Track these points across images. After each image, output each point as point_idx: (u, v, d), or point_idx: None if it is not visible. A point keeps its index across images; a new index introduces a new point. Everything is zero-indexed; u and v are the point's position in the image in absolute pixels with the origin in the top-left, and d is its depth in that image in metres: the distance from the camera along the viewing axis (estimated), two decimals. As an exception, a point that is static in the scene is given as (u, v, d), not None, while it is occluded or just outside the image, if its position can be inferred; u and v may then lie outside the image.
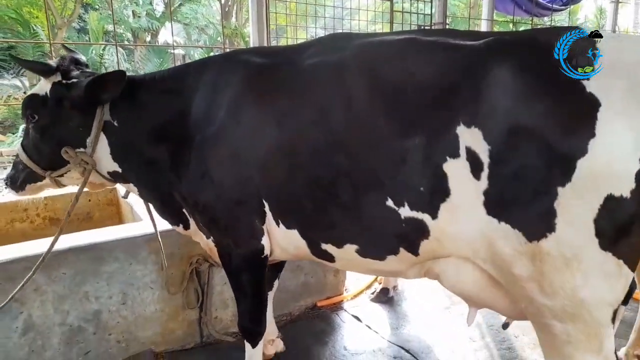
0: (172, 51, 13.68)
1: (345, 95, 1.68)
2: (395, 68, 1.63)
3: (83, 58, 2.29)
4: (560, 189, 1.31)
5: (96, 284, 2.60)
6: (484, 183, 1.42)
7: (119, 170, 2.18)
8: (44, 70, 2.09)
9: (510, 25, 8.21)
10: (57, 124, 2.08)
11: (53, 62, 2.14)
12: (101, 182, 2.31)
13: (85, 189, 2.34)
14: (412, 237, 1.64)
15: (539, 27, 7.81)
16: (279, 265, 2.70)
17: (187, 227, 2.27)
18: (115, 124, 2.08)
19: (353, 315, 3.39)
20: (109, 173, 2.21)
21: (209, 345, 2.99)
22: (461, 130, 1.44)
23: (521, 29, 8.15)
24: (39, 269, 2.38)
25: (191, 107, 2.00)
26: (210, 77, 2.01)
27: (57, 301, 2.50)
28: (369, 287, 3.78)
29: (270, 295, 2.73)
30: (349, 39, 1.86)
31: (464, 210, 1.49)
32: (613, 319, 1.43)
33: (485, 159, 1.40)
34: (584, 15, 20.80)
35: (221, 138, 1.91)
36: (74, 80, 2.06)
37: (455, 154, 1.45)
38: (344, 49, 1.78)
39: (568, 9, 7.58)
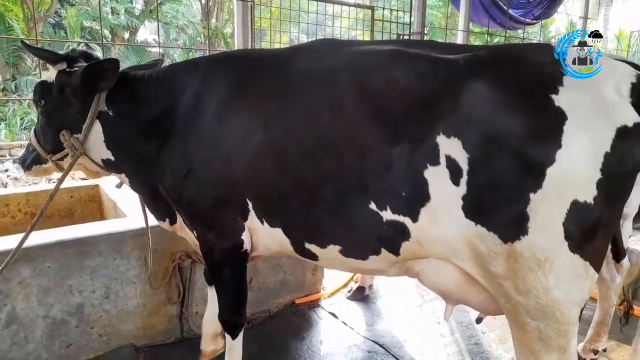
0: (158, 50, 13.55)
1: (334, 101, 1.75)
2: (382, 78, 1.71)
3: (96, 54, 2.38)
4: (532, 195, 1.42)
5: (80, 278, 2.64)
6: (462, 189, 1.51)
7: (112, 158, 2.26)
8: (50, 58, 2.19)
9: (485, 36, 8.51)
10: (59, 109, 2.18)
11: (62, 52, 2.24)
12: (96, 170, 2.37)
13: (66, 186, 2.40)
14: (394, 239, 1.71)
15: (512, 39, 8.12)
16: None
17: (173, 221, 2.34)
18: (111, 113, 2.17)
19: (330, 312, 3.51)
20: (102, 161, 2.28)
21: (188, 340, 3.05)
22: (441, 139, 1.53)
23: (495, 40, 8.45)
24: (24, 262, 2.45)
25: (182, 105, 2.08)
26: (200, 77, 2.09)
27: (42, 294, 2.54)
28: (345, 285, 3.91)
29: None
30: (338, 46, 1.94)
31: (443, 214, 1.57)
32: (579, 318, 1.55)
33: (464, 166, 1.50)
34: (556, 29, 21.58)
35: (208, 138, 1.98)
36: (76, 68, 2.14)
37: (435, 162, 1.54)
38: (334, 55, 1.86)
39: (539, 22, 7.92)
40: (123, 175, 2.34)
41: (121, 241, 2.74)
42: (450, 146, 1.52)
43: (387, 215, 1.67)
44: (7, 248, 2.40)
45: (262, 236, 2.09)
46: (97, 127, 2.18)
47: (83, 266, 2.64)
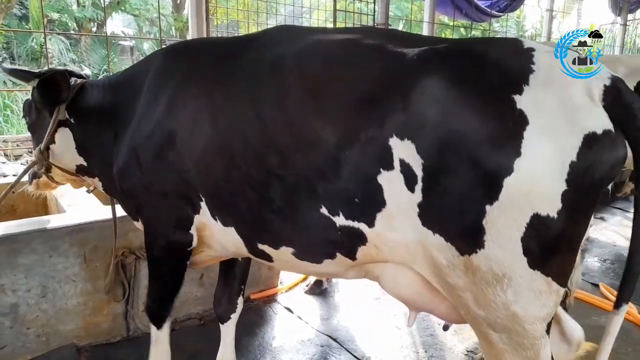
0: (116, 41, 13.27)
1: (281, 96, 1.63)
2: (331, 74, 1.59)
3: (82, 71, 2.50)
4: (488, 207, 1.29)
5: (13, 277, 2.52)
6: (418, 196, 1.39)
7: (85, 164, 2.32)
8: (24, 77, 2.36)
9: (452, 29, 8.51)
10: (37, 123, 2.36)
11: (36, 71, 2.37)
12: (72, 178, 2.47)
13: (8, 181, 2.32)
14: (349, 243, 1.61)
15: (487, 32, 8.13)
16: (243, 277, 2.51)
17: None
18: (72, 121, 2.25)
19: (285, 307, 3.45)
20: (77, 167, 2.35)
21: (135, 338, 2.95)
22: (394, 142, 1.41)
23: (473, 34, 8.45)
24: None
25: (132, 101, 2.06)
26: (152, 71, 2.04)
27: (-30, 294, 2.41)
28: (303, 279, 3.84)
29: (234, 320, 2.49)
30: (294, 35, 1.82)
31: (400, 220, 1.46)
32: (547, 331, 1.44)
33: (419, 172, 1.38)
34: (532, 23, 21.77)
35: (157, 130, 1.90)
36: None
37: (389, 166, 1.42)
38: (283, 45, 1.74)
39: (506, 15, 7.96)
40: (96, 179, 2.38)
41: (57, 238, 2.62)
42: (404, 150, 1.39)
43: (341, 220, 1.56)
44: None
45: (217, 235, 1.98)
46: (69, 136, 2.26)
47: (16, 264, 2.52)
